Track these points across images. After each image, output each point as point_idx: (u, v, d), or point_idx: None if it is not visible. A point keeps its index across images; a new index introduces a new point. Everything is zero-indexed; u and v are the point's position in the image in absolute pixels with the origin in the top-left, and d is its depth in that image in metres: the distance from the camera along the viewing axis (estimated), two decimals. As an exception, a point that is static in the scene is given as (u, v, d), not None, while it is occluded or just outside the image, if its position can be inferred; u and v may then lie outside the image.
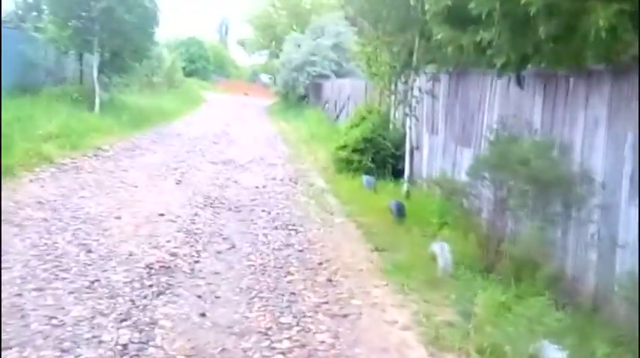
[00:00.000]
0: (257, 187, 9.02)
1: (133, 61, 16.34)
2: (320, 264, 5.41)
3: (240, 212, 7.39)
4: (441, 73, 8.21)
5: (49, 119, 11.37)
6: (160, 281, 4.58)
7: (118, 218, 6.34)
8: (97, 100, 14.84)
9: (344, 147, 10.61)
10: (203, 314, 4.06)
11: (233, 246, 5.83)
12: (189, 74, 40.35)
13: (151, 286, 4.46)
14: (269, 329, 3.93)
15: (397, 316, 4.29)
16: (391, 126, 10.95)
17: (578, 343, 3.61)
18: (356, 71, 20.39)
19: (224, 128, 18.04)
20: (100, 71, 15.29)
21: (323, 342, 3.80)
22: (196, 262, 5.20)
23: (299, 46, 26.48)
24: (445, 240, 5.49)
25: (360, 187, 9.24)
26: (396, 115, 11.03)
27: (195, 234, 6.14)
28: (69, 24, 14.25)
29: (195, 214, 6.96)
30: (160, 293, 4.34)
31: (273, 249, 5.84)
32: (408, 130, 9.12)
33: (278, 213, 7.44)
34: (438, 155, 8.68)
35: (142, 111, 16.94)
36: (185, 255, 5.34)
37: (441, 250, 5.14)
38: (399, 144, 10.22)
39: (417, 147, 9.41)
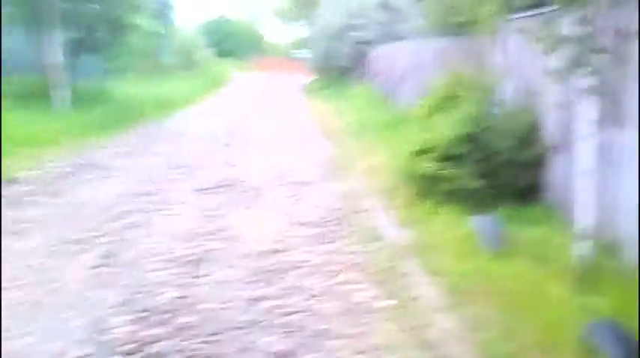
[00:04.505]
0: (268, 255, 4.46)
1: (111, 36, 11.90)
2: None
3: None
4: None
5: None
6: None
7: None
8: (61, 93, 10.68)
9: (426, 151, 5.84)
10: None
11: None
12: (220, 54, 38.07)
13: None
14: None
15: None
16: (496, 109, 6.21)
17: None
18: (410, 35, 15.26)
19: (243, 118, 13.57)
20: (68, 53, 11.15)
21: None
22: None
23: (338, 8, 21.35)
24: None
25: (469, 240, 4.59)
26: (507, 90, 6.30)
27: None
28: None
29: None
30: None
31: None
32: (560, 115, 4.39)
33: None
34: (625, 168, 3.99)
35: (130, 102, 12.60)
36: None
37: None
38: (525, 142, 5.54)
39: (560, 149, 4.76)
